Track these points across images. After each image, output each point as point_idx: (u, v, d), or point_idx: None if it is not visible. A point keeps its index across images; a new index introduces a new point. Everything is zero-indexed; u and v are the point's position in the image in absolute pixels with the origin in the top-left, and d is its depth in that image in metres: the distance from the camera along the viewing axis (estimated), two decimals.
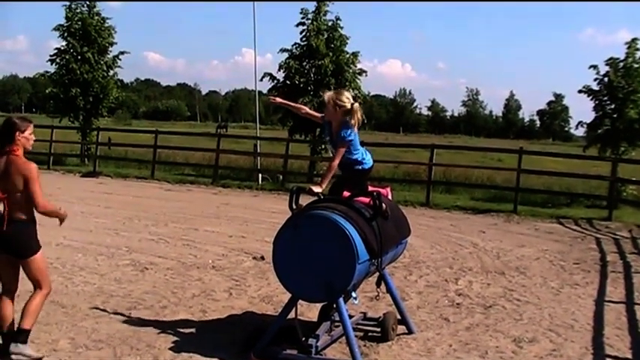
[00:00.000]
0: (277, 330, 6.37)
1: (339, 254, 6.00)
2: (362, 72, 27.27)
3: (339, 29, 26.63)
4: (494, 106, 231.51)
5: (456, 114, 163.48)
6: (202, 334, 7.09)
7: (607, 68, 22.05)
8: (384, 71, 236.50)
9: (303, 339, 6.23)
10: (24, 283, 6.23)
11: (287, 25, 31.59)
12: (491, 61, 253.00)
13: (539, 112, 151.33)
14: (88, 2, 30.73)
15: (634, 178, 19.37)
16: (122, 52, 31.77)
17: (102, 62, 30.78)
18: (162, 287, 8.98)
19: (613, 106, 22.06)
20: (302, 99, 23.80)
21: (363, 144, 7.18)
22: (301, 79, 26.28)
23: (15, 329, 6.04)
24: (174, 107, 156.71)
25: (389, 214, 6.64)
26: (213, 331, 7.20)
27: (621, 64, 21.73)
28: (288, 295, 6.54)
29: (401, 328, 7.31)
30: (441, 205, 19.35)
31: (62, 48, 30.50)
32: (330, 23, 26.66)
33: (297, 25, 26.69)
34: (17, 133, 5.95)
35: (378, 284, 7.08)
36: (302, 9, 26.59)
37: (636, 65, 21.50)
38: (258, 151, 26.06)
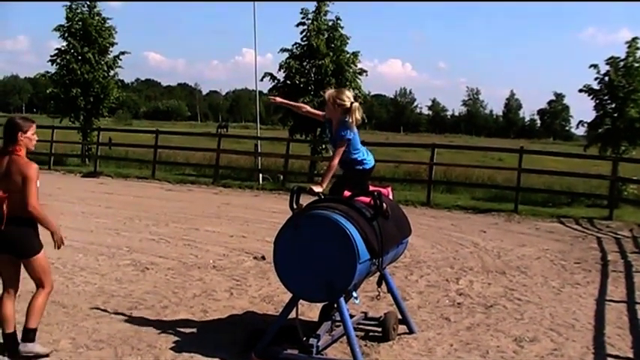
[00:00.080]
0: (278, 330, 6.37)
1: (340, 254, 6.00)
2: (362, 72, 27.28)
3: (340, 29, 26.64)
4: (495, 106, 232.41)
5: (456, 113, 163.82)
6: (203, 333, 7.09)
7: (607, 67, 22.06)
8: (384, 71, 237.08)
9: (304, 339, 6.23)
10: (25, 283, 6.24)
11: (287, 25, 31.55)
12: (492, 60, 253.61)
13: (540, 112, 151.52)
14: (88, 2, 30.77)
15: (635, 177, 19.38)
16: (123, 53, 31.84)
17: (102, 62, 30.80)
18: (163, 287, 8.98)
19: (614, 106, 22.06)
20: (302, 99, 23.78)
21: (363, 144, 7.18)
22: (302, 79, 26.29)
23: (15, 330, 6.06)
24: (175, 107, 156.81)
25: (389, 213, 6.64)
26: (214, 330, 7.20)
27: (622, 63, 21.74)
28: (289, 295, 6.54)
29: (402, 328, 7.30)
30: (441, 205, 19.34)
31: (63, 48, 30.53)
32: (330, 23, 26.67)
33: (298, 25, 26.72)
34: (19, 134, 5.95)
35: (378, 284, 7.08)
36: (302, 9, 26.63)
37: (637, 64, 21.52)
38: (259, 151, 26.05)
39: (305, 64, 26.65)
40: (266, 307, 8.25)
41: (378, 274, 6.90)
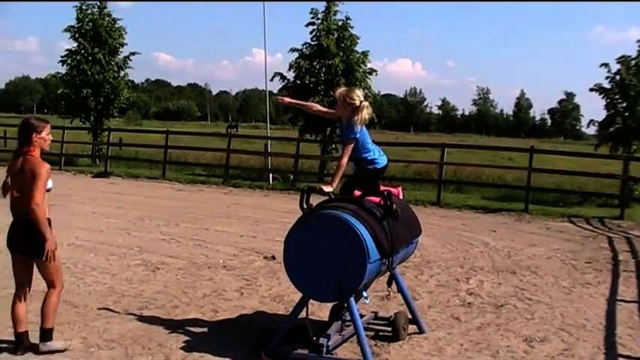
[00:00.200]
0: (288, 329, 6.37)
1: (350, 254, 5.99)
2: (372, 71, 27.30)
3: (349, 29, 26.64)
4: (505, 105, 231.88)
5: (466, 113, 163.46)
6: (213, 333, 7.10)
7: (618, 66, 21.99)
8: (394, 70, 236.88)
9: (314, 338, 6.24)
10: (36, 284, 6.28)
11: (297, 25, 31.51)
12: (502, 60, 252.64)
13: (551, 111, 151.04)
14: (98, 3, 30.86)
15: None
16: (133, 53, 31.98)
17: (113, 63, 30.91)
18: (174, 287, 9.01)
19: (625, 105, 22.01)
20: (312, 98, 23.78)
21: (374, 143, 7.15)
22: (311, 79, 26.29)
23: (27, 330, 6.12)
24: (185, 107, 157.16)
25: (399, 214, 6.62)
26: (225, 330, 7.21)
27: (633, 62, 21.67)
28: (299, 295, 6.54)
29: (412, 328, 7.30)
30: (451, 205, 19.31)
31: (73, 49, 30.64)
32: (340, 23, 26.67)
33: (307, 25, 26.73)
34: (34, 134, 6.00)
35: (389, 284, 7.08)
36: (312, 9, 26.63)
37: None
38: (269, 150, 26.07)
39: (315, 63, 26.66)
40: (276, 307, 8.25)
41: (388, 273, 6.90)
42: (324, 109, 7.52)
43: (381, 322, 7.29)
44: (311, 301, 6.48)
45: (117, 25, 31.06)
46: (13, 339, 6.22)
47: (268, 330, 6.63)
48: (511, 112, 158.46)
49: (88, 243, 11.64)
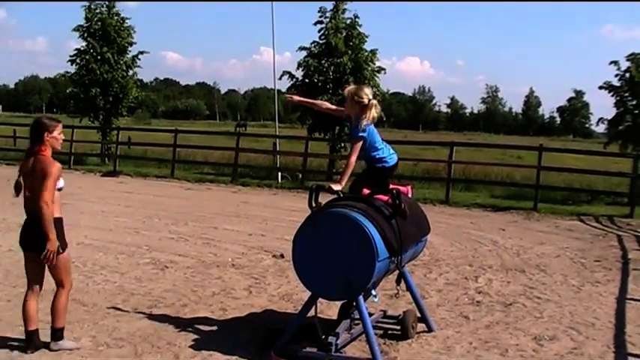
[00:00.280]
0: (297, 328, 6.38)
1: (359, 252, 5.99)
2: (380, 69, 27.27)
3: (358, 27, 26.63)
4: (514, 103, 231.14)
5: (475, 111, 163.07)
6: (222, 332, 7.11)
7: (628, 64, 21.90)
8: (402, 69, 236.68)
9: (323, 337, 6.23)
10: (47, 282, 6.30)
11: (305, 24, 31.65)
12: (511, 58, 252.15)
13: (560, 109, 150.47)
14: (107, 3, 30.94)
15: None
16: (141, 52, 32.09)
17: (121, 62, 31.02)
18: (183, 285, 9.02)
19: (634, 102, 21.93)
20: (321, 97, 23.74)
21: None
22: (320, 78, 26.29)
23: (37, 328, 6.16)
24: (194, 106, 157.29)
25: (407, 213, 6.61)
26: (233, 329, 7.22)
27: None
28: (307, 293, 6.54)
29: (421, 326, 7.29)
30: (460, 203, 19.29)
31: (82, 48, 30.74)
32: (348, 21, 26.66)
33: (316, 24, 26.73)
34: (45, 134, 6.03)
35: (397, 282, 7.08)
36: (320, 8, 26.62)
37: None
38: (278, 149, 26.10)
39: (323, 62, 26.66)
40: (285, 306, 8.26)
41: (397, 272, 6.90)
42: (334, 107, 7.52)
43: (390, 321, 7.29)
44: (320, 299, 6.48)
45: (125, 25, 31.16)
46: (24, 337, 6.25)
47: (277, 328, 6.64)
48: (520, 111, 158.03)
49: (97, 242, 11.68)
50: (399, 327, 7.10)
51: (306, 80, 26.64)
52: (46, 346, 6.20)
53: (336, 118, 23.67)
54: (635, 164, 18.86)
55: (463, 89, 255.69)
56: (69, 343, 6.30)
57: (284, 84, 27.68)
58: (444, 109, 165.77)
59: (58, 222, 6.00)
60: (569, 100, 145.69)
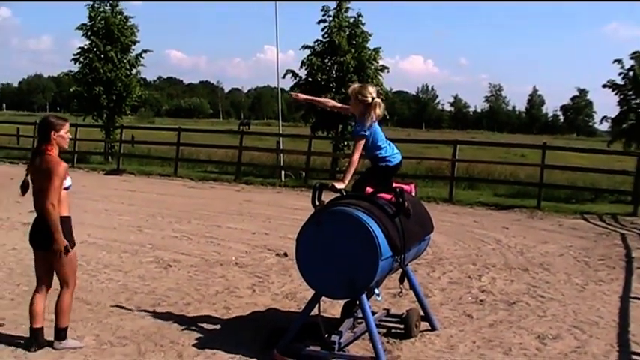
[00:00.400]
0: (300, 326, 6.38)
1: (362, 251, 5.99)
2: (384, 68, 27.22)
3: (361, 26, 26.60)
4: (518, 102, 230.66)
5: (478, 110, 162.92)
6: (226, 330, 7.12)
7: (632, 62, 21.87)
8: (406, 67, 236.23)
9: (326, 335, 6.24)
10: (54, 282, 6.32)
11: (309, 22, 31.60)
12: (514, 56, 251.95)
13: (563, 108, 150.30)
14: (110, 1, 30.96)
15: None
16: (145, 51, 32.10)
17: (125, 61, 31.02)
18: (186, 284, 9.03)
19: (638, 101, 21.88)
20: (324, 96, 23.64)
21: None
22: (323, 76, 26.25)
23: (42, 325, 6.17)
24: (197, 105, 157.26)
25: (411, 211, 6.61)
26: (237, 327, 7.23)
27: None
28: (311, 292, 6.55)
29: (424, 325, 7.29)
30: (463, 202, 19.27)
31: (86, 47, 30.76)
32: (351, 20, 26.62)
33: (319, 22, 26.69)
34: (52, 133, 6.05)
35: (401, 281, 7.08)
36: (323, 6, 26.59)
37: None
38: (281, 148, 26.10)
39: (327, 60, 26.61)
40: (288, 304, 8.26)
41: (400, 270, 6.90)
42: (340, 105, 7.54)
43: (394, 319, 7.29)
44: (323, 298, 6.48)
45: (129, 23, 31.17)
46: (28, 335, 6.27)
47: (280, 327, 6.64)
48: (523, 109, 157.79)
49: (101, 240, 11.69)
50: (402, 325, 7.10)
51: (310, 79, 26.59)
52: (50, 344, 6.23)
53: (339, 116, 23.73)
54: (639, 162, 18.82)
55: (467, 88, 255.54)
56: (72, 342, 6.32)
57: (287, 82, 27.63)
58: (448, 107, 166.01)
59: (66, 221, 6.03)
60: (573, 98, 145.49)
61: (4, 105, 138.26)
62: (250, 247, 11.79)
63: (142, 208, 16.10)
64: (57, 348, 6.20)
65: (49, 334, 6.28)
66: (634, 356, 6.79)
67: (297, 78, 27.06)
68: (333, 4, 26.59)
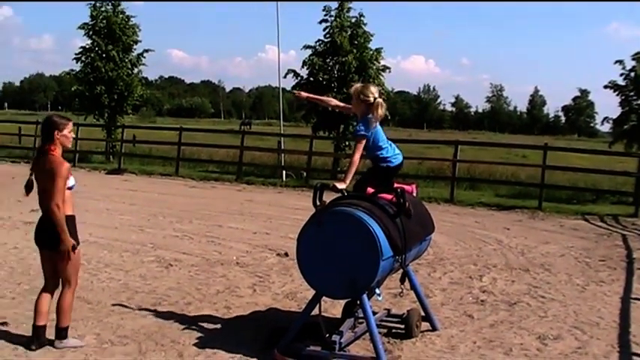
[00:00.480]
0: (301, 326, 6.38)
1: (363, 251, 5.99)
2: (385, 68, 27.19)
3: (363, 26, 26.57)
4: (519, 102, 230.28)
5: (480, 110, 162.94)
6: (226, 330, 7.12)
7: (633, 63, 21.86)
8: (407, 67, 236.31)
9: (327, 335, 6.24)
10: None
11: (310, 22, 31.61)
12: (516, 57, 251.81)
13: (564, 108, 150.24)
14: (112, 1, 30.97)
15: None
16: (146, 50, 32.03)
17: (126, 60, 30.99)
18: (187, 283, 9.03)
19: (639, 102, 21.85)
20: (326, 96, 23.73)
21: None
22: (325, 76, 26.22)
23: (45, 324, 6.19)
24: (198, 104, 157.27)
25: (412, 211, 6.61)
26: (237, 327, 7.23)
27: None
28: (311, 292, 6.55)
29: (425, 325, 7.29)
30: (465, 202, 19.26)
31: (87, 46, 30.72)
32: (353, 20, 26.61)
33: (321, 22, 26.66)
34: (56, 132, 6.05)
35: (401, 281, 7.07)
36: (325, 6, 26.56)
37: None
38: (282, 147, 26.10)
39: (328, 60, 26.58)
40: (289, 304, 8.26)
41: (401, 270, 6.89)
42: (342, 104, 7.54)
43: (394, 320, 7.29)
44: (324, 298, 6.48)
45: (130, 23, 31.16)
46: (29, 334, 6.28)
47: (281, 327, 6.64)
48: (525, 110, 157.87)
49: (102, 239, 11.69)
50: (403, 326, 7.10)
51: (311, 79, 26.56)
52: (51, 343, 6.23)
53: (340, 116, 23.73)
54: None
55: (468, 88, 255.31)
56: (73, 341, 6.33)
57: (289, 82, 27.60)
58: (449, 107, 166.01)
59: (71, 220, 6.04)
60: (574, 99, 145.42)
61: (6, 104, 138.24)
62: (251, 246, 11.79)
63: (143, 207, 16.11)
64: (58, 347, 6.21)
65: (49, 333, 6.29)
66: (635, 357, 6.79)
67: (299, 78, 27.02)
68: (334, 4, 26.59)
